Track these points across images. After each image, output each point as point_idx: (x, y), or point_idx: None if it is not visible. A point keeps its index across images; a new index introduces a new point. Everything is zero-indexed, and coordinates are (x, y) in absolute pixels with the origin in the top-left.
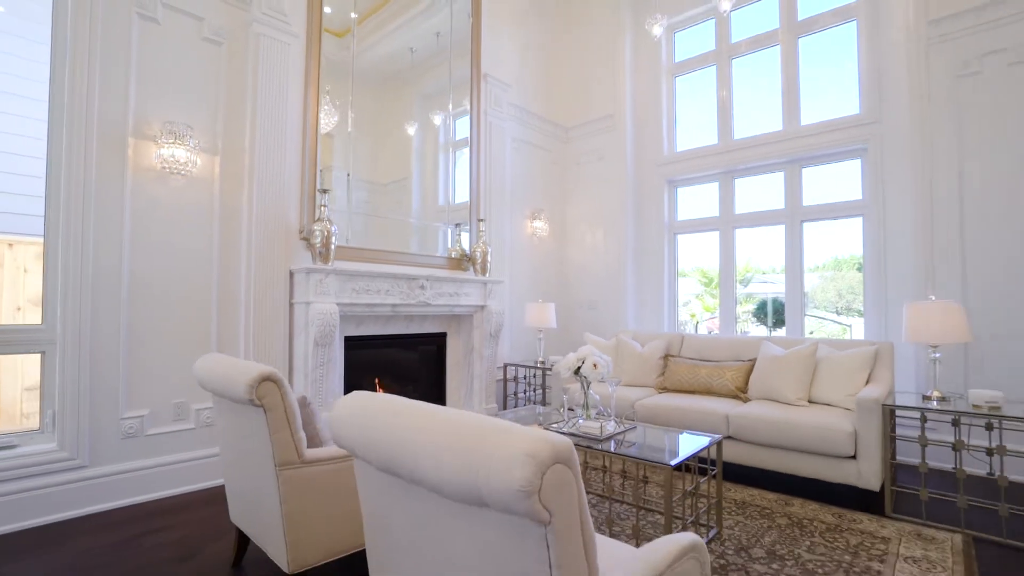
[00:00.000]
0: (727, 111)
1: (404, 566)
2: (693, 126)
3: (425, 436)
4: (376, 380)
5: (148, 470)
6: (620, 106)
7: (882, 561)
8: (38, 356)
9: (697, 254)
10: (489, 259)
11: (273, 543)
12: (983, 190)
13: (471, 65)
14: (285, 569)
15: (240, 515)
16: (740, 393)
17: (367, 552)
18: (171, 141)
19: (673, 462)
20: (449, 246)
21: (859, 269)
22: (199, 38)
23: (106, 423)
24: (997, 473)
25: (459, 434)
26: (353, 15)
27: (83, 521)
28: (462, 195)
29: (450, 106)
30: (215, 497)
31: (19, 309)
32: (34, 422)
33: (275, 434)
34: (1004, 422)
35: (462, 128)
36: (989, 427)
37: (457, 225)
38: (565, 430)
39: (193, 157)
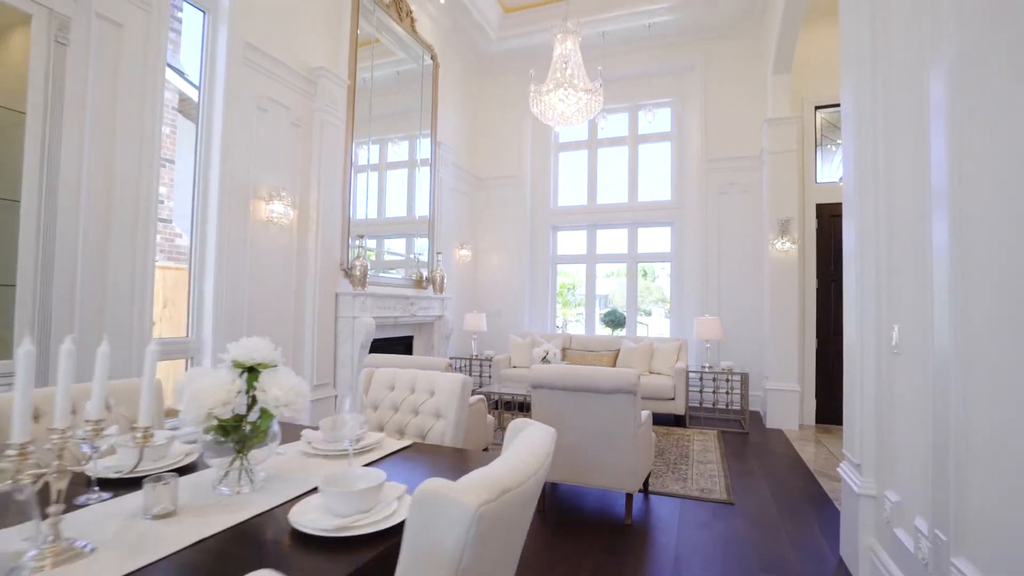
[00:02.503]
0: (593, 183)
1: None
2: (570, 189)
3: (594, 372)
4: None
5: None
6: (522, 168)
7: (688, 442)
8: (182, 361)
9: (569, 276)
10: (445, 281)
11: None
12: (732, 253)
13: (432, 133)
14: None
15: None
16: None
17: None
18: (273, 199)
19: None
20: (407, 270)
21: (668, 292)
22: (288, 123)
23: None
24: (728, 400)
25: (603, 371)
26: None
27: None
28: (418, 222)
29: (418, 161)
30: None
31: (154, 324)
32: None
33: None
34: (731, 376)
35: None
36: (728, 379)
37: (414, 255)
38: None
39: (286, 210)
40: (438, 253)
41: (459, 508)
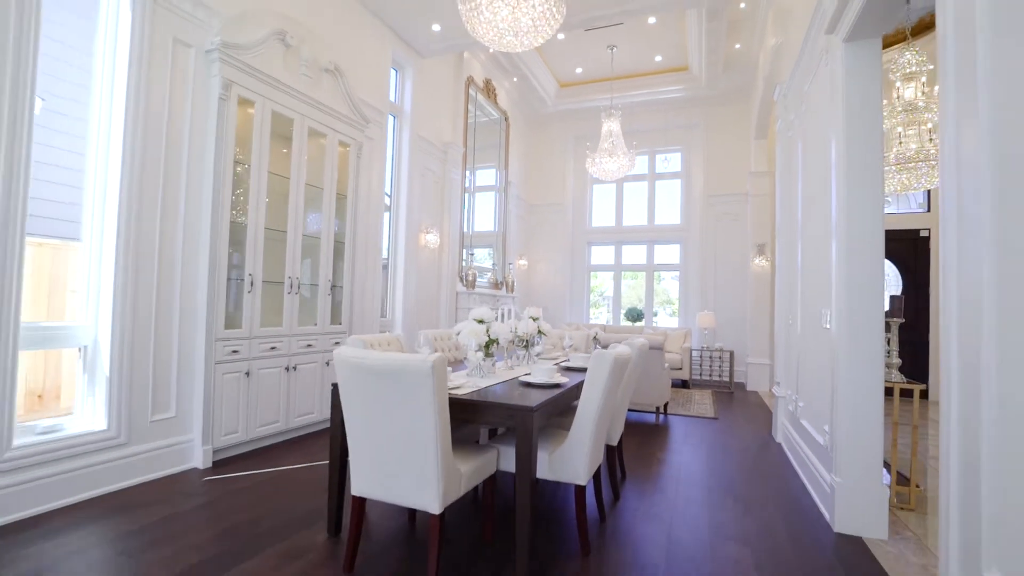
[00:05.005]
0: (620, 209)
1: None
2: (602, 213)
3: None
4: None
5: None
6: (565, 197)
7: (691, 395)
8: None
9: (599, 280)
10: (515, 284)
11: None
12: (724, 265)
13: (504, 170)
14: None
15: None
16: None
17: None
18: (428, 231)
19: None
20: (490, 275)
21: (677, 294)
22: (432, 181)
23: None
24: (720, 372)
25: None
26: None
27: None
28: (486, 234)
29: (496, 188)
30: None
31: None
32: None
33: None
34: (722, 353)
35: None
36: (720, 356)
37: (470, 253)
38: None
39: (434, 238)
40: (509, 263)
41: (607, 358)
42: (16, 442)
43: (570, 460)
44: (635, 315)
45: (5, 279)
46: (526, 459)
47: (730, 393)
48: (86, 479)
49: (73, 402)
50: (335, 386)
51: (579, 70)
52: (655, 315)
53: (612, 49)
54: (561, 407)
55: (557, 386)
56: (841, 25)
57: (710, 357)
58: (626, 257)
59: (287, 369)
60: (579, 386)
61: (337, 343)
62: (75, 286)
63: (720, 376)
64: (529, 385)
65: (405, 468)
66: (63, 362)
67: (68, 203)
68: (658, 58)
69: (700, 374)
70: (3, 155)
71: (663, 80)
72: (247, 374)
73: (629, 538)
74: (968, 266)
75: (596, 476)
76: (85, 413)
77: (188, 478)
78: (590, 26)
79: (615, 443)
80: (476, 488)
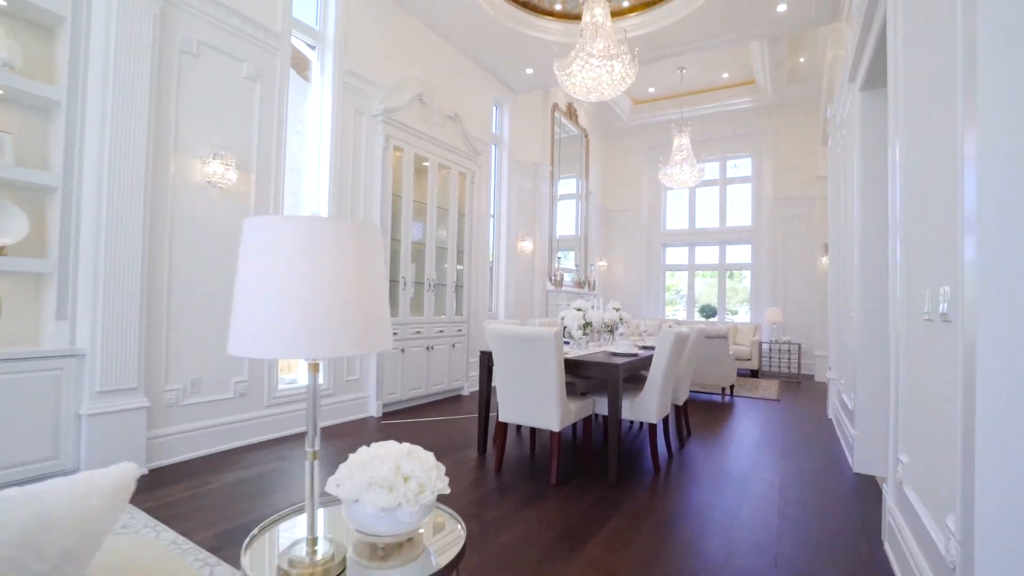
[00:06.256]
0: (692, 212)
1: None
2: (675, 216)
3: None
4: None
5: None
6: (639, 203)
7: (758, 384)
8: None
9: (677, 281)
10: (596, 283)
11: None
12: (793, 263)
13: (585, 180)
14: (555, 429)
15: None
16: None
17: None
18: (524, 238)
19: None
20: (575, 275)
21: (748, 291)
22: (528, 193)
23: None
24: (789, 364)
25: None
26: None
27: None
28: (568, 233)
29: (576, 198)
30: None
31: None
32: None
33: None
34: (790, 345)
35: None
36: (789, 348)
37: (559, 257)
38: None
39: (529, 243)
40: (591, 265)
41: (670, 334)
42: (278, 388)
43: (644, 405)
44: (709, 312)
45: None
46: (615, 400)
47: (797, 383)
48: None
49: (300, 364)
50: (483, 353)
51: (651, 89)
52: (735, 312)
53: (682, 71)
54: (636, 370)
55: (634, 355)
56: (858, 75)
57: (778, 350)
58: (699, 257)
59: (427, 349)
60: (650, 357)
61: (459, 330)
62: None
63: (789, 368)
64: (614, 354)
65: (536, 401)
66: None
67: None
68: (725, 75)
69: (769, 365)
70: (273, 193)
71: (731, 94)
72: (402, 351)
73: (688, 467)
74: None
75: (665, 425)
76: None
77: (368, 422)
78: (663, 60)
79: (680, 403)
80: (576, 432)
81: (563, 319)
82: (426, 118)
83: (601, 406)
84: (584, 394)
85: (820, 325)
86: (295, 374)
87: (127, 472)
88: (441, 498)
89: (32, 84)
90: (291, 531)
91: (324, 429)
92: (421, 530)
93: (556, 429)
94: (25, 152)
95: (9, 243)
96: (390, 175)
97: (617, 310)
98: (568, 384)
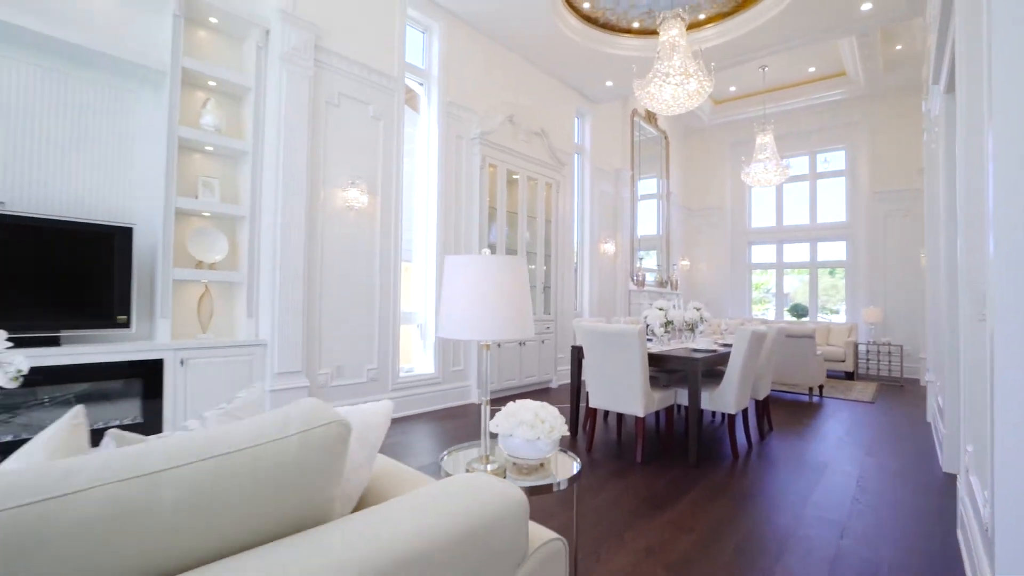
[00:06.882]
0: (780, 209)
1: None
2: (761, 214)
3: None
4: None
5: None
6: (723, 201)
7: (852, 386)
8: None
9: (767, 280)
10: (678, 282)
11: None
12: (895, 259)
13: (666, 181)
14: (640, 414)
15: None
16: None
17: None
18: (607, 241)
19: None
20: (656, 275)
21: (843, 290)
22: (610, 200)
23: None
24: (890, 367)
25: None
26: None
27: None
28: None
29: (659, 196)
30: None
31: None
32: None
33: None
34: (891, 347)
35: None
36: (889, 351)
37: (641, 259)
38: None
39: (611, 246)
40: (672, 264)
41: (746, 332)
42: (399, 376)
43: (723, 396)
44: (799, 311)
45: (392, 285)
46: (695, 389)
47: (900, 386)
48: (424, 400)
49: (413, 356)
50: (573, 347)
51: (732, 88)
52: (836, 311)
53: (764, 69)
54: (714, 365)
55: (713, 351)
56: (940, 77)
57: (877, 351)
58: (787, 255)
59: (520, 344)
60: (728, 354)
61: (548, 328)
62: (413, 288)
63: (889, 371)
64: (695, 350)
65: (622, 389)
66: (411, 333)
67: (406, 239)
68: (811, 69)
69: (867, 368)
70: (393, 211)
71: (819, 87)
72: (499, 345)
73: (766, 456)
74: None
75: (744, 418)
76: (423, 363)
77: (469, 408)
78: (742, 64)
79: (760, 398)
80: (659, 422)
81: (646, 317)
82: (515, 136)
83: (682, 397)
84: (667, 386)
85: (925, 326)
86: (412, 364)
87: (389, 405)
88: None
89: (231, 140)
90: (466, 457)
91: (434, 412)
92: (550, 456)
93: (640, 415)
94: (225, 192)
95: (217, 260)
96: (486, 189)
97: (698, 309)
98: (652, 377)
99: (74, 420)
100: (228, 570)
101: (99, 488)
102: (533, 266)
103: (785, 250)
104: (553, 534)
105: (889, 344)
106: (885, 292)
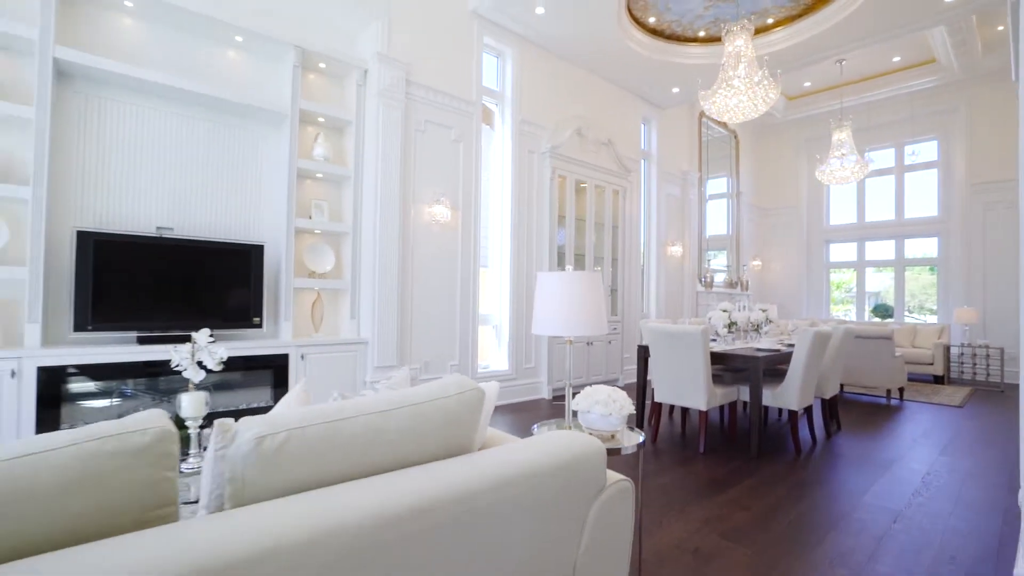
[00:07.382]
0: (862, 205)
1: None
2: (840, 211)
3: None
4: None
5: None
6: (798, 199)
7: (941, 390)
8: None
9: (849, 279)
10: (748, 283)
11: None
12: (995, 256)
13: (736, 180)
14: (702, 408)
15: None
16: None
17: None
18: (674, 243)
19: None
20: (727, 276)
21: (935, 288)
22: (678, 204)
23: None
24: (987, 371)
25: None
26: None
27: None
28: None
29: (728, 195)
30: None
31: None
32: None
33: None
34: (990, 350)
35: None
36: (987, 354)
37: (709, 261)
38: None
39: (679, 248)
40: (743, 265)
41: (809, 333)
42: (477, 372)
43: (785, 393)
44: (884, 311)
45: (472, 289)
46: (756, 386)
47: (1000, 391)
48: (500, 395)
49: (489, 354)
50: (640, 346)
51: (807, 84)
52: (933, 311)
53: (841, 62)
54: (777, 364)
55: (776, 350)
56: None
57: (972, 354)
58: (870, 253)
59: (587, 344)
60: (791, 353)
61: (615, 328)
62: (488, 291)
63: (988, 375)
64: (759, 349)
65: (686, 385)
66: (488, 333)
67: (482, 247)
68: (896, 58)
69: (960, 372)
70: (472, 223)
71: (904, 76)
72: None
73: (830, 452)
74: None
75: (809, 416)
76: (498, 360)
77: (540, 403)
78: (816, 63)
79: (827, 397)
80: (723, 418)
81: (710, 318)
82: (583, 147)
83: (745, 394)
84: (730, 384)
85: None
86: (488, 361)
87: (496, 385)
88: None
89: (336, 168)
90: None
91: (507, 406)
92: (620, 430)
93: (703, 408)
94: (332, 212)
95: (327, 270)
96: (556, 198)
97: (764, 311)
98: (716, 375)
99: (303, 389)
100: (425, 471)
101: (360, 417)
102: (599, 268)
103: (867, 248)
104: (624, 477)
105: (987, 347)
106: (984, 291)
